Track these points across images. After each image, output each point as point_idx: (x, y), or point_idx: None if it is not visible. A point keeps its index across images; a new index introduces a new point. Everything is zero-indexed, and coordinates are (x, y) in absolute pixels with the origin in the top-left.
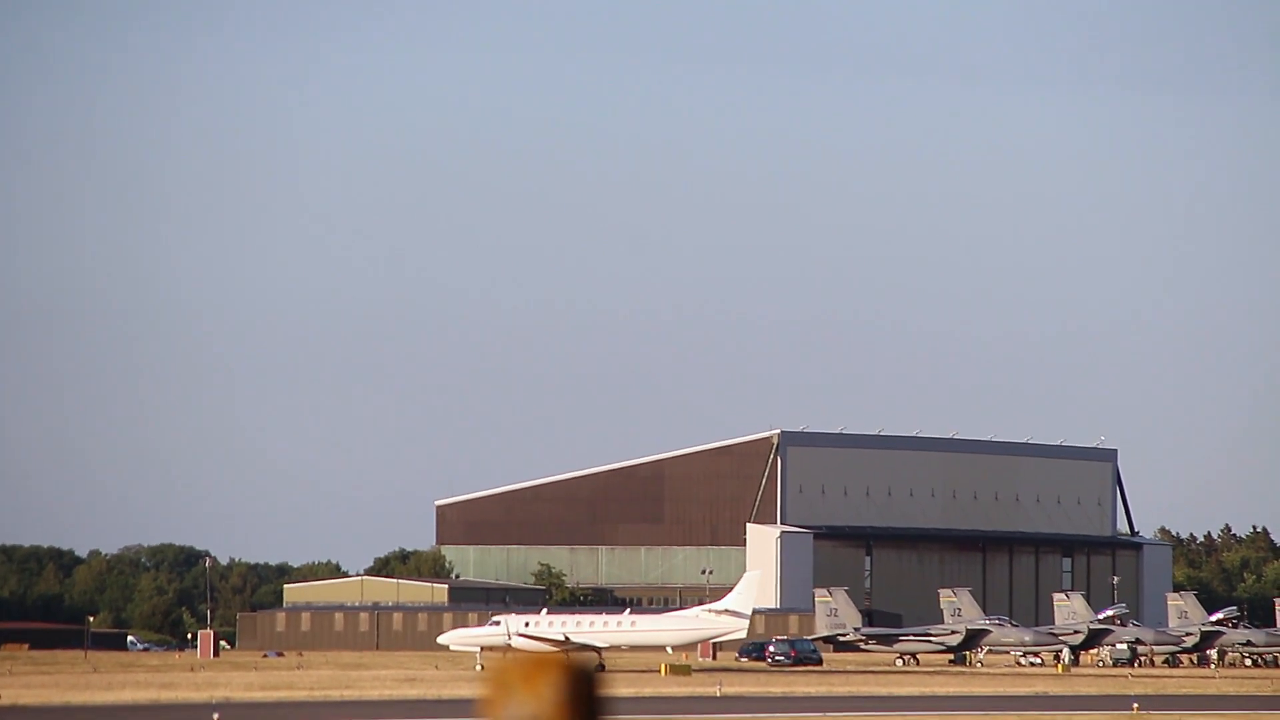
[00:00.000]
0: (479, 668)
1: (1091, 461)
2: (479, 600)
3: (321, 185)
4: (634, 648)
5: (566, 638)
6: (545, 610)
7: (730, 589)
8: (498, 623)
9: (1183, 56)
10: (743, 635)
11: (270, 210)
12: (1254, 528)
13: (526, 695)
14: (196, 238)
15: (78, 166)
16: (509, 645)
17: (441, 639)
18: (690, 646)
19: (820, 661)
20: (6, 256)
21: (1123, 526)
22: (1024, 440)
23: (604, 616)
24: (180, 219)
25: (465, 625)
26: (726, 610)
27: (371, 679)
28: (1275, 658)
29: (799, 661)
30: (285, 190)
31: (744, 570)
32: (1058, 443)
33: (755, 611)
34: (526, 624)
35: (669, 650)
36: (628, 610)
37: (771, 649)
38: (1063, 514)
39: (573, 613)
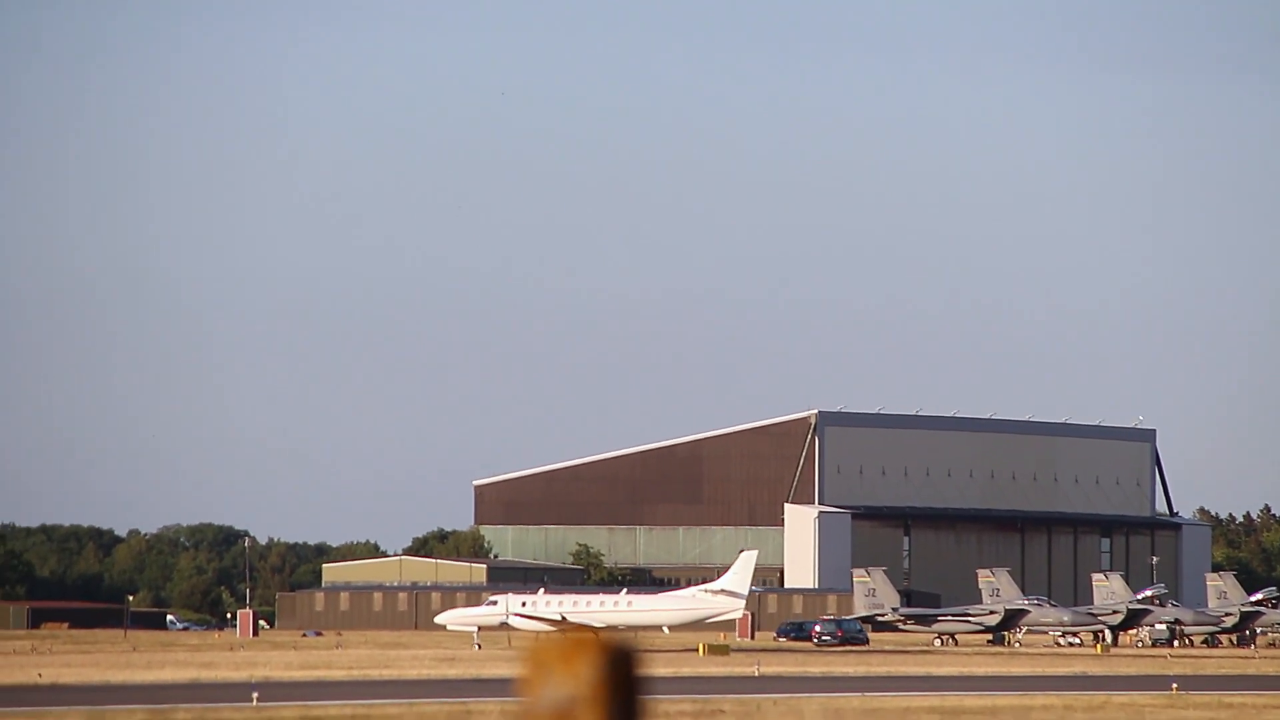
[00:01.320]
0: (476, 647)
1: (1130, 441)
2: (517, 580)
3: (359, 162)
4: (630, 628)
5: (563, 617)
6: (542, 590)
7: (773, 569)
8: (494, 602)
9: (1210, 30)
10: (739, 616)
11: (313, 187)
12: None
13: (565, 675)
14: (239, 215)
15: (80, 154)
16: (505, 625)
17: (439, 619)
18: (686, 627)
19: (866, 641)
20: (41, 238)
21: (1161, 507)
22: (1062, 420)
23: (600, 596)
24: (222, 195)
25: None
26: (723, 590)
27: (410, 659)
28: None
29: (845, 641)
30: (322, 167)
31: (781, 550)
32: (1096, 423)
33: (794, 591)
34: (523, 604)
35: (665, 630)
36: (624, 590)
37: (818, 629)
38: (1101, 494)
39: (569, 593)
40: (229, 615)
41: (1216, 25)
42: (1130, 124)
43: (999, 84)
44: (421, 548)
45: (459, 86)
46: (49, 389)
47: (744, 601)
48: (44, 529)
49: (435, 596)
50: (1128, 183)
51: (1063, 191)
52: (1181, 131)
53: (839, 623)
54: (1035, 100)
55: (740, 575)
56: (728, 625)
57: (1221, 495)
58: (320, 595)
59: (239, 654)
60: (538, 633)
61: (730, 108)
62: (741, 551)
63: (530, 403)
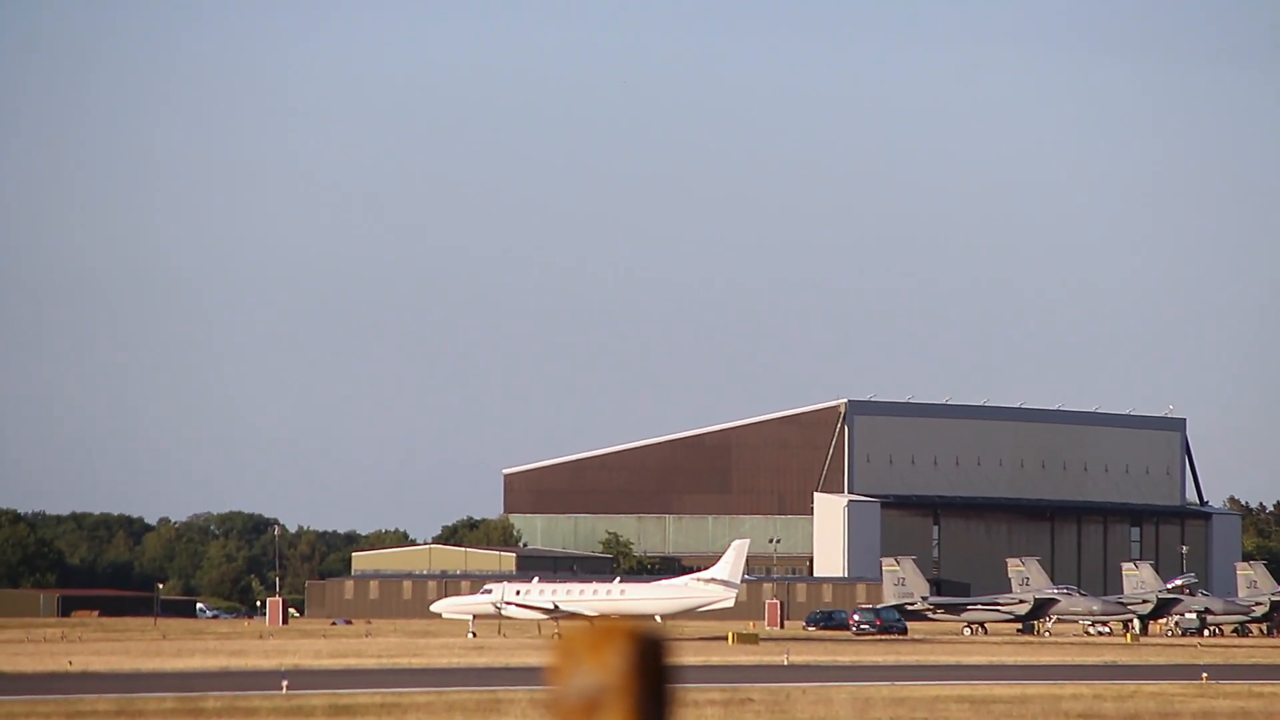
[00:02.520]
0: (471, 635)
1: (1160, 430)
2: (546, 568)
3: (387, 151)
4: (624, 617)
5: (555, 606)
6: (536, 579)
7: (802, 557)
8: (489, 590)
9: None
10: (730, 604)
11: (343, 176)
12: None
13: (594, 664)
14: (269, 204)
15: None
16: (499, 613)
17: (434, 607)
18: (679, 616)
19: (905, 631)
20: (68, 230)
21: (1191, 496)
22: (1092, 409)
23: (594, 585)
24: (248, 184)
25: None
26: (714, 579)
27: (439, 647)
28: None
29: (884, 630)
30: (348, 156)
31: (810, 539)
32: (1126, 412)
33: (823, 580)
34: (518, 592)
35: (658, 619)
36: (617, 579)
37: (856, 618)
38: (1131, 483)
39: (564, 581)
40: (259, 603)
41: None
42: (1163, 111)
43: (1023, 70)
44: (451, 536)
45: (484, 73)
46: (79, 378)
47: (736, 591)
48: (74, 517)
49: (464, 585)
50: (1159, 171)
51: (1094, 179)
52: (1215, 119)
53: (877, 611)
54: (1068, 88)
55: (733, 564)
56: (720, 614)
57: (1252, 484)
58: (350, 583)
59: (268, 642)
60: (536, 621)
61: (755, 96)
62: (735, 540)
63: (560, 392)
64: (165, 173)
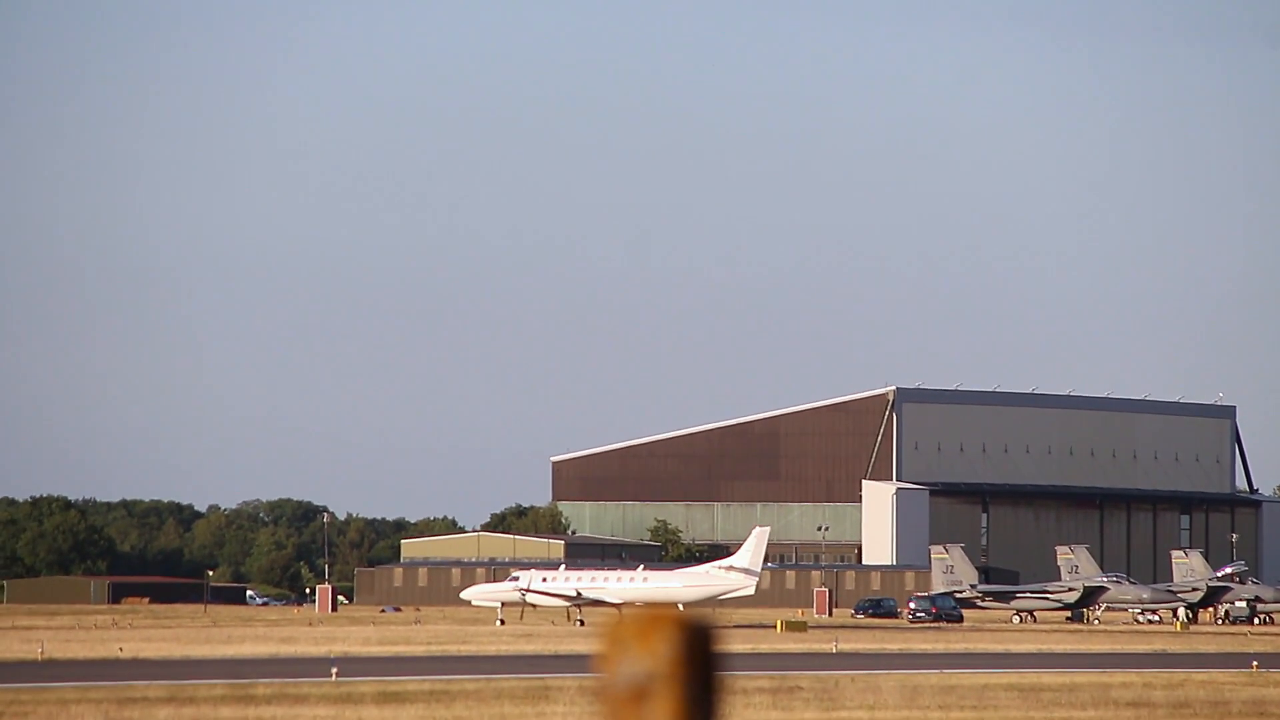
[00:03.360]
0: (499, 623)
1: (1210, 418)
2: (595, 556)
3: (439, 136)
4: (647, 604)
5: (578, 593)
6: (563, 566)
7: (851, 545)
8: (517, 578)
9: None
10: (750, 592)
11: (401, 160)
12: None
13: (642, 652)
14: (317, 189)
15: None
16: (523, 601)
17: (464, 594)
18: (701, 603)
19: (961, 619)
20: (121, 211)
21: (1241, 483)
22: (1141, 396)
23: (618, 572)
24: (303, 166)
25: None
26: (734, 567)
27: (488, 634)
28: None
29: (940, 618)
30: (404, 140)
31: (859, 527)
32: (1176, 399)
33: (872, 568)
34: (544, 579)
35: (680, 608)
36: (641, 566)
37: (912, 605)
38: (1180, 471)
39: (589, 569)
40: (308, 590)
41: None
42: (1217, 93)
43: (1073, 50)
44: (499, 523)
45: (518, 55)
46: (130, 366)
47: (756, 578)
48: (125, 504)
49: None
50: (1209, 157)
51: (1143, 165)
52: (1268, 106)
53: (934, 599)
54: (1109, 77)
55: (753, 552)
56: (740, 602)
57: None
58: (399, 571)
59: (318, 629)
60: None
61: (797, 80)
62: (756, 527)
63: (608, 379)
64: (217, 151)
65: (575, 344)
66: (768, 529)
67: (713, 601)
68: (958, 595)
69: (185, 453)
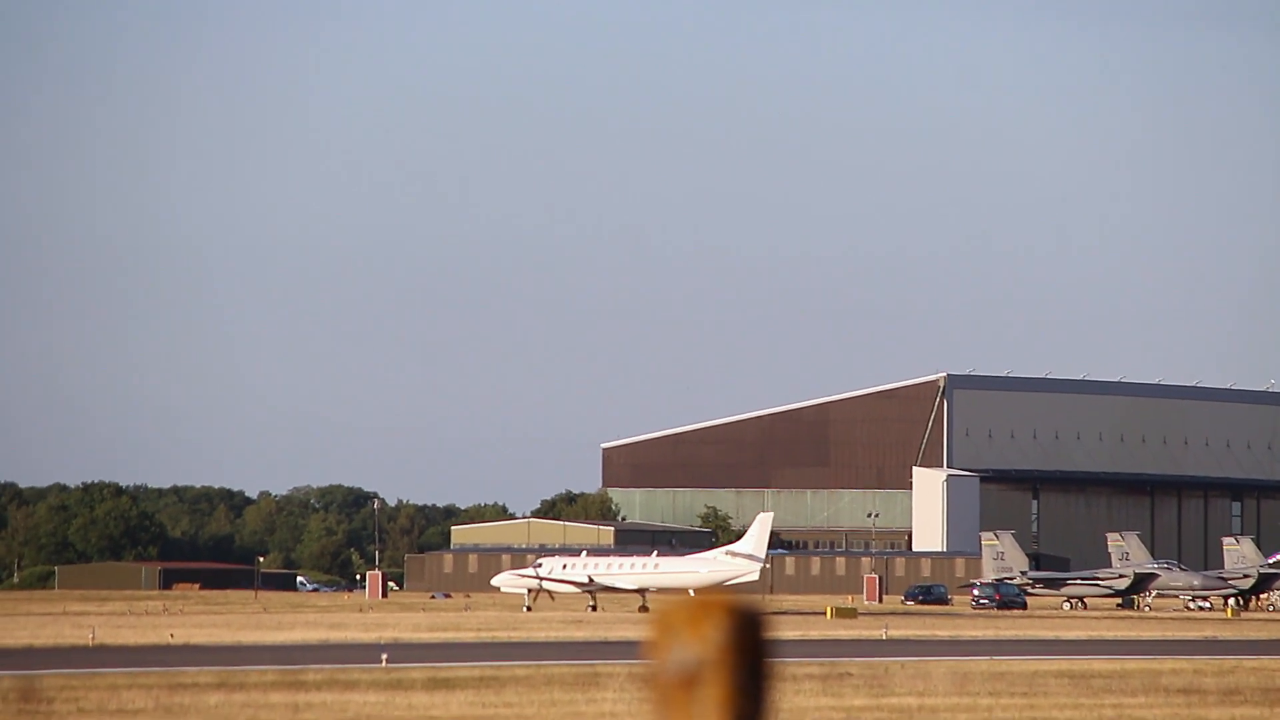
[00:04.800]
0: (526, 609)
1: (1262, 405)
2: (644, 542)
3: (487, 124)
4: (660, 590)
5: (590, 579)
6: (585, 553)
7: (901, 532)
8: (540, 564)
9: None
10: (755, 578)
11: (452, 144)
12: None
13: (692, 638)
14: (362, 177)
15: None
16: (540, 587)
17: (494, 581)
18: (710, 589)
19: (1025, 605)
20: (173, 197)
21: None
22: (1193, 384)
23: (631, 559)
24: (350, 155)
25: None
26: (738, 553)
27: (538, 620)
28: None
29: (1004, 605)
30: (453, 121)
31: (909, 514)
32: (1227, 386)
33: (922, 554)
34: (564, 565)
35: (691, 593)
36: (655, 552)
37: (976, 592)
38: (1232, 458)
39: (606, 555)
40: (358, 577)
41: None
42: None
43: (1118, 32)
44: (549, 510)
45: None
46: (182, 353)
47: (760, 564)
48: (176, 490)
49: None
50: (1261, 144)
51: (1193, 151)
52: None
53: (997, 586)
54: (1153, 54)
55: (757, 538)
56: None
57: None
58: (449, 557)
59: (368, 615)
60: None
61: (837, 66)
62: (760, 513)
63: (659, 366)
64: (269, 140)
65: (626, 331)
66: (770, 515)
67: (720, 587)
68: (1008, 582)
69: (236, 439)
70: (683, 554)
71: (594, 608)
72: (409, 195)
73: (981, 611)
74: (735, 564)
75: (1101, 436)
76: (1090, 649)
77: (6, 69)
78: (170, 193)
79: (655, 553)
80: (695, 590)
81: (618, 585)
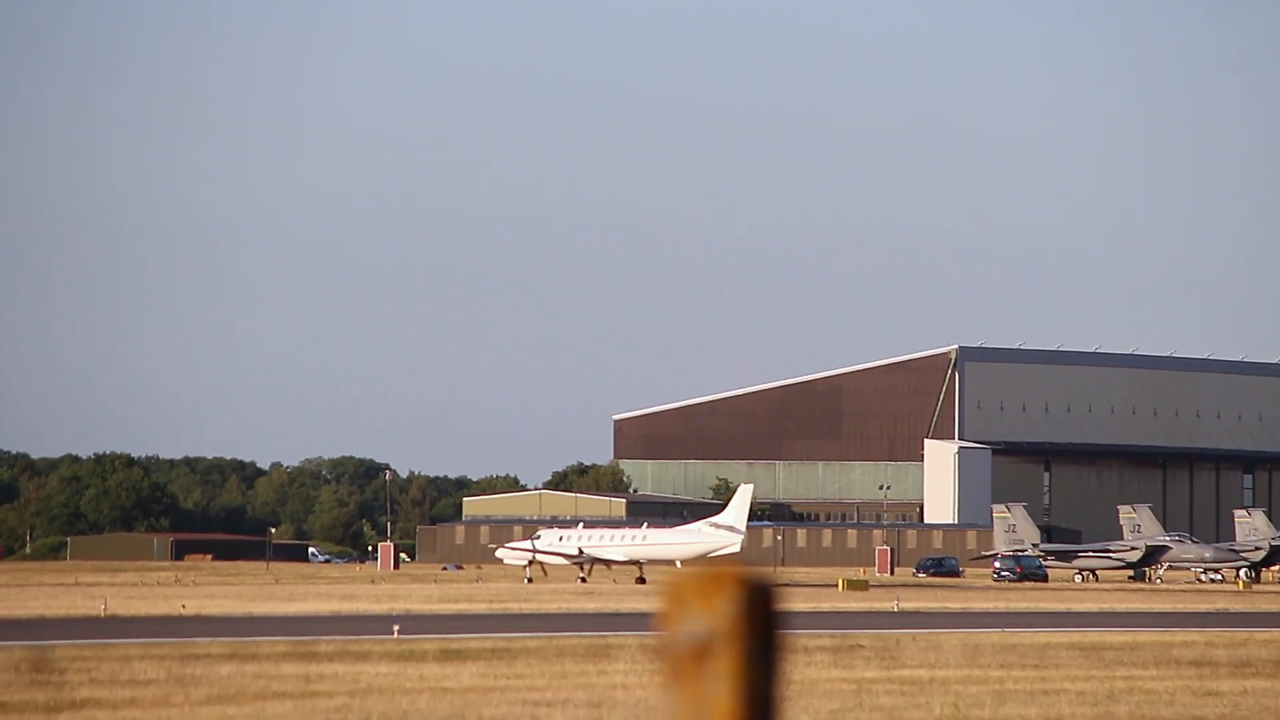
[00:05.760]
0: (527, 580)
1: (1273, 377)
2: (656, 514)
3: (503, 96)
4: (649, 561)
5: (580, 550)
6: (581, 525)
7: (912, 504)
8: (539, 537)
9: None
10: (736, 550)
11: (465, 116)
12: None
13: (703, 610)
14: (383, 149)
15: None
16: (533, 559)
17: (498, 553)
18: (693, 560)
19: (1046, 578)
20: (179, 172)
21: None
22: (1204, 356)
23: (619, 531)
24: (376, 128)
25: None
26: (720, 525)
27: (550, 592)
28: None
29: (1025, 578)
30: (470, 94)
31: (921, 486)
32: (1239, 358)
33: (933, 526)
34: (560, 538)
35: (678, 564)
36: (645, 524)
37: (997, 565)
38: (1244, 430)
39: (601, 527)
40: (370, 548)
41: None
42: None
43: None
44: (561, 482)
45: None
46: (193, 323)
47: (741, 536)
48: (187, 461)
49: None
50: (1265, 117)
51: (1203, 122)
52: None
53: (1018, 559)
54: (1169, 26)
55: (738, 509)
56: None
57: None
58: (460, 529)
59: (380, 587)
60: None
61: (853, 37)
62: (739, 485)
63: (670, 338)
64: (288, 107)
65: (637, 302)
66: (751, 486)
67: (703, 559)
68: (1020, 554)
69: (248, 410)
70: (671, 526)
71: (584, 579)
72: (421, 167)
73: (1003, 584)
74: (717, 535)
75: (1113, 409)
76: (1102, 621)
77: (13, 47)
78: (181, 166)
79: (645, 525)
80: (681, 562)
81: (606, 557)
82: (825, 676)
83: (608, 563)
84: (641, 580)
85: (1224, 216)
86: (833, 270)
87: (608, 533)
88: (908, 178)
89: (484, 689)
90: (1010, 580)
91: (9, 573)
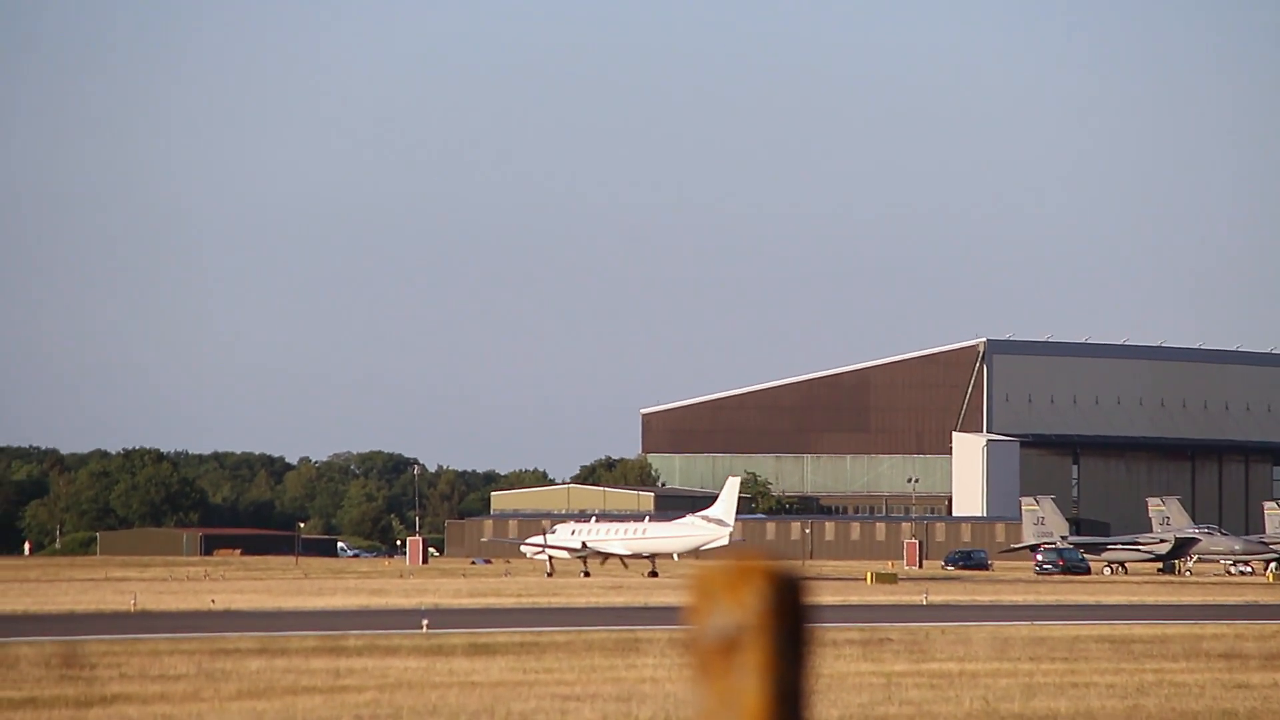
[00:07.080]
0: (548, 574)
1: None
2: (685, 508)
3: (525, 90)
4: (651, 555)
5: (584, 544)
6: (594, 518)
7: (941, 497)
8: (554, 531)
9: None
10: (725, 543)
11: (488, 111)
12: None
13: (732, 603)
14: (399, 143)
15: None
16: (544, 552)
17: (522, 547)
18: (686, 554)
19: (1088, 570)
20: (210, 167)
21: None
22: (1233, 348)
23: (621, 525)
24: (397, 112)
25: None
26: (709, 518)
27: (578, 586)
28: None
29: (1067, 571)
30: (491, 90)
31: (949, 479)
32: (1267, 350)
33: (962, 520)
34: (573, 532)
35: (675, 557)
36: (647, 518)
37: (1039, 558)
38: (1273, 422)
39: (610, 521)
40: (398, 542)
41: None
42: None
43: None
44: (589, 476)
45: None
46: (222, 319)
47: (729, 529)
48: (216, 456)
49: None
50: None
51: (1230, 116)
52: None
53: (1060, 552)
54: (1195, 20)
55: (727, 503)
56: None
57: None
58: (489, 523)
59: (408, 581)
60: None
61: (879, 30)
62: (730, 478)
63: (698, 331)
64: (309, 99)
65: (665, 296)
66: (739, 479)
67: (695, 552)
68: (1048, 547)
69: (276, 405)
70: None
71: (586, 574)
72: (448, 157)
73: (1046, 578)
74: (706, 529)
75: (1142, 401)
76: (1131, 614)
77: (12, 47)
78: (206, 155)
79: (647, 519)
80: (677, 554)
81: (609, 550)
82: (854, 670)
83: (604, 556)
84: (654, 574)
85: (1254, 208)
86: (860, 264)
87: (610, 526)
88: (936, 171)
89: (513, 683)
90: (1053, 573)
91: (39, 568)
